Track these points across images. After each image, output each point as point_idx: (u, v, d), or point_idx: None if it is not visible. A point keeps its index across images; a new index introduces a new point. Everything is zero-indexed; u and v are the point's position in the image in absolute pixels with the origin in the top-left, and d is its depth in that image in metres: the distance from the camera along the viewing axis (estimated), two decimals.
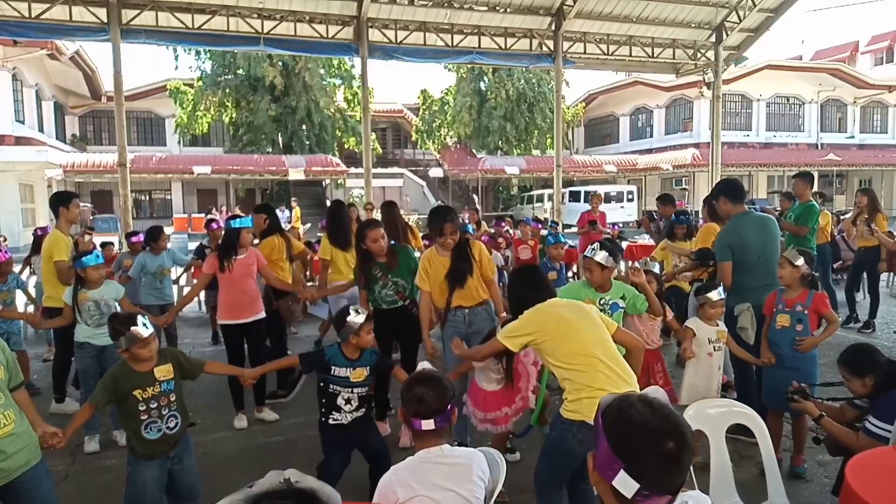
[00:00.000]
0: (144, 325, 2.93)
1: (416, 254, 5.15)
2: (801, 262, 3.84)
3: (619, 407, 1.29)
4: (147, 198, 30.12)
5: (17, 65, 21.65)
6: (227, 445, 4.67)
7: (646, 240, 11.25)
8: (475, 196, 32.88)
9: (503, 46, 14.73)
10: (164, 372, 2.96)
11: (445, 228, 4.07)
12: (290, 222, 19.78)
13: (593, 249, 3.76)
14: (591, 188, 26.57)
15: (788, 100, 32.89)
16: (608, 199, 22.88)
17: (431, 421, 2.20)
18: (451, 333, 4.14)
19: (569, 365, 2.73)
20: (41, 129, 24.22)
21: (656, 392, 1.22)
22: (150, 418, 2.90)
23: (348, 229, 5.76)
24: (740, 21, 15.57)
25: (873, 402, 2.91)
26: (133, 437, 2.95)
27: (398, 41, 13.85)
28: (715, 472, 2.81)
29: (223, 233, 5.20)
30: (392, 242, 4.67)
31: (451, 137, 33.73)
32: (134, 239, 7.63)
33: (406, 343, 4.59)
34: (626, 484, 1.22)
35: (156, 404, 2.92)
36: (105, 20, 11.62)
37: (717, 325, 4.01)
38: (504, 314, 4.20)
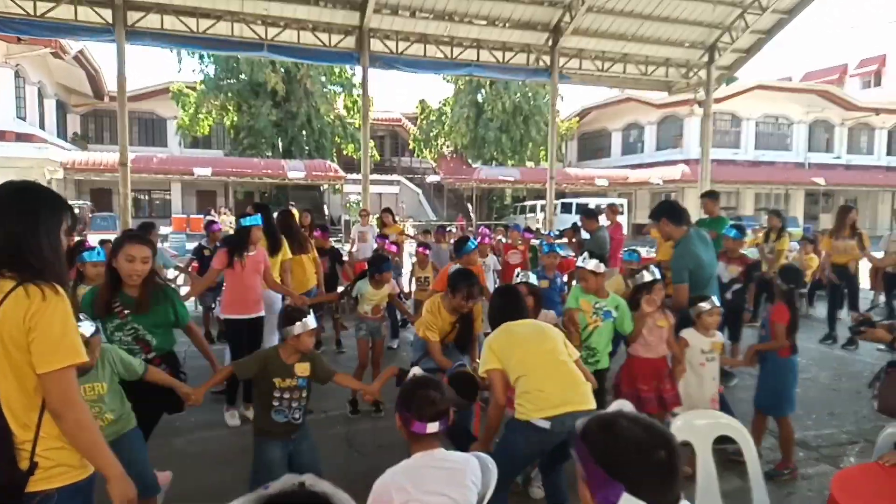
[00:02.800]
0: (313, 317, 3.21)
1: None
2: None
3: (603, 427, 1.28)
4: (147, 197, 30.22)
5: (20, 62, 21.86)
6: (217, 444, 4.68)
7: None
8: (469, 205, 33.20)
9: (501, 60, 15.05)
10: (302, 369, 3.19)
11: (472, 291, 4.05)
12: None
13: (584, 259, 4.05)
14: (582, 200, 26.95)
15: (777, 119, 33.40)
16: (599, 211, 23.17)
17: (437, 423, 2.21)
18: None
19: (517, 372, 2.94)
20: (42, 127, 24.37)
21: (623, 405, 1.34)
22: (280, 406, 3.15)
23: (300, 235, 6.12)
24: (733, 42, 15.93)
25: None
26: (261, 417, 3.21)
27: (399, 52, 14.13)
28: (701, 482, 2.85)
29: (234, 230, 5.30)
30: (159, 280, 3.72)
31: (448, 147, 34.04)
32: None
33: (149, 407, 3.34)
34: None
35: (288, 395, 3.16)
36: (110, 21, 11.76)
37: (714, 336, 4.10)
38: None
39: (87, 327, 2.78)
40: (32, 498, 1.77)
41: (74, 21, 11.84)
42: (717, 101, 21.45)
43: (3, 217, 1.81)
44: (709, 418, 3.15)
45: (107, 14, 11.78)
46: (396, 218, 11.56)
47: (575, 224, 8.15)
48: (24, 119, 22.63)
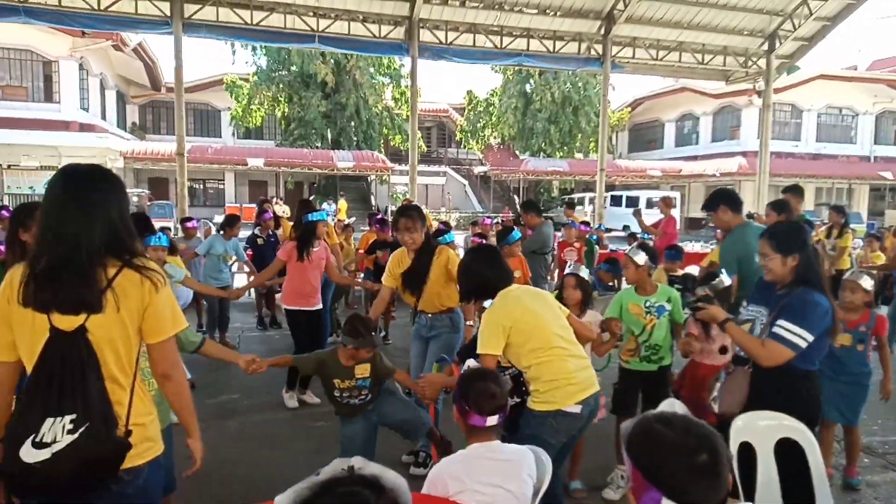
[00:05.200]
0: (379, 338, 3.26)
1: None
2: (870, 286, 3.82)
3: (640, 433, 1.27)
4: (201, 186, 30.90)
5: (84, 55, 22.72)
6: (270, 427, 4.80)
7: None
8: (516, 197, 32.97)
9: (551, 49, 14.85)
10: (362, 370, 3.24)
11: (398, 223, 4.05)
12: (335, 215, 20.31)
13: (633, 249, 3.92)
14: (633, 193, 26.44)
15: (841, 111, 31.98)
16: (650, 204, 22.72)
17: (496, 417, 2.20)
18: (415, 333, 4.29)
19: (537, 358, 2.70)
20: (104, 117, 25.28)
21: (672, 405, 1.37)
22: (342, 399, 3.26)
23: None
24: (795, 29, 15.33)
25: (781, 299, 2.77)
26: (332, 401, 3.31)
27: (448, 42, 14.10)
28: (761, 486, 2.69)
29: (302, 225, 5.30)
30: None
31: (495, 138, 33.87)
32: (188, 224, 8.09)
33: None
34: None
35: (348, 394, 3.23)
36: (168, 14, 12.13)
37: None
38: (471, 322, 4.24)
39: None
40: (128, 474, 1.85)
41: (134, 14, 12.25)
42: (777, 91, 20.66)
43: (97, 201, 1.85)
44: (771, 419, 2.93)
45: (165, 7, 12.14)
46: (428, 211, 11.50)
47: (517, 217, 7.79)
48: (86, 110, 23.52)
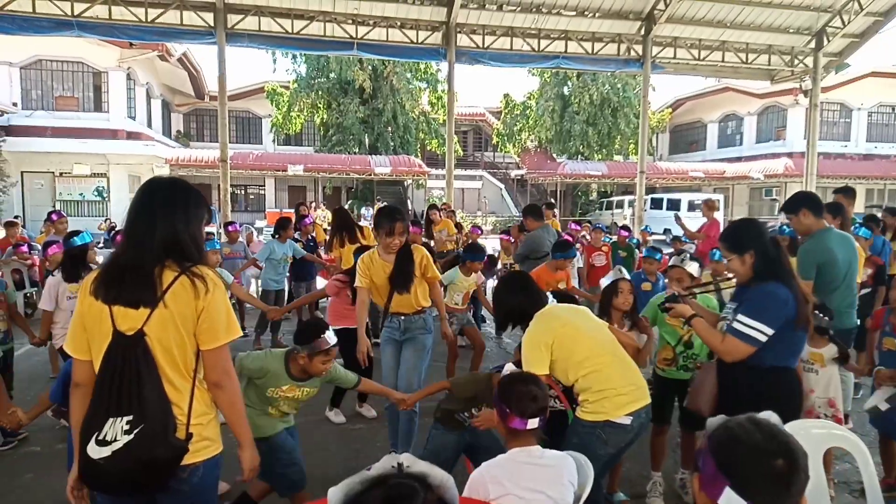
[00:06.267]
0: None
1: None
2: None
3: (726, 426, 1.29)
4: (243, 192, 31.41)
5: (131, 65, 23.44)
6: (314, 430, 4.86)
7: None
8: (553, 200, 32.71)
9: (590, 51, 14.70)
10: None
11: (395, 228, 3.91)
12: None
13: (682, 259, 3.84)
14: (674, 195, 25.95)
15: (894, 109, 30.73)
16: (692, 207, 22.26)
17: (536, 420, 2.18)
18: (387, 338, 4.20)
19: (585, 369, 2.69)
20: (150, 125, 26.01)
21: (770, 416, 1.34)
22: (462, 419, 3.21)
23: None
24: (844, 26, 14.84)
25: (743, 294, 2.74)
26: (446, 410, 3.23)
27: (485, 46, 14.09)
28: (810, 493, 2.64)
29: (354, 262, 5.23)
30: None
31: (532, 141, 33.67)
32: (231, 228, 8.38)
33: None
34: (731, 503, 1.21)
35: (472, 417, 3.20)
36: (212, 24, 12.43)
37: (822, 347, 3.67)
38: (447, 319, 4.34)
39: (331, 338, 3.01)
40: (184, 471, 1.94)
41: (180, 25, 12.57)
42: (825, 89, 20.04)
43: (166, 211, 1.98)
44: (821, 427, 2.89)
45: (209, 17, 12.44)
46: (453, 213, 11.42)
47: (521, 224, 7.58)
48: (133, 118, 24.23)
